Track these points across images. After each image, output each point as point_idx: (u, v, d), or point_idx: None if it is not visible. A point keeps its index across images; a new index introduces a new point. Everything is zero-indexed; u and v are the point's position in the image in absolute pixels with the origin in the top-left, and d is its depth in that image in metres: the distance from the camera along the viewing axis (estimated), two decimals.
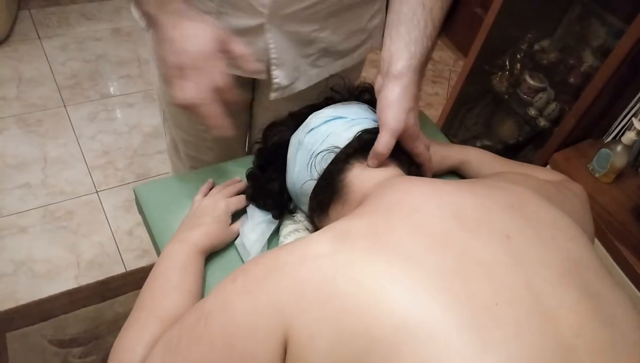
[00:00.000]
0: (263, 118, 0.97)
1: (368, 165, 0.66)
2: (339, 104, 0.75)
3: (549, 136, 1.55)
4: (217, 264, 0.71)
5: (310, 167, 0.68)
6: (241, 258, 0.72)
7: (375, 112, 0.69)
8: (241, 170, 0.82)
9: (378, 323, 0.43)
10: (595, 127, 1.52)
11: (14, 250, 1.55)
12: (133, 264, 1.56)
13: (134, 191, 0.81)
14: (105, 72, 2.18)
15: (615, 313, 0.50)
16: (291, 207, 0.76)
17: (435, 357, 0.41)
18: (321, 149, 0.68)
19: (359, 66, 1.01)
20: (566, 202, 0.69)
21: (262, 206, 0.75)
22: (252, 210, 0.75)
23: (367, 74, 1.04)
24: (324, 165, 0.67)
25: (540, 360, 0.43)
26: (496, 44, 1.67)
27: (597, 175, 1.41)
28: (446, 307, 0.44)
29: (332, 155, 0.67)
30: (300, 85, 0.88)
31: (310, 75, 0.88)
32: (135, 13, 0.77)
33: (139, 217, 0.83)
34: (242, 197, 0.76)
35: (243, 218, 0.75)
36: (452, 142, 1.05)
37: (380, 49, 0.73)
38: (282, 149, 0.74)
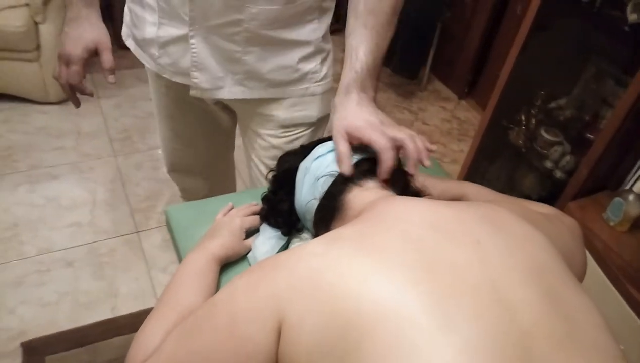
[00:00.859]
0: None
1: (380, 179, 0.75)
2: None
3: (564, 187, 1.60)
4: (231, 273, 0.81)
5: (314, 189, 0.79)
6: None
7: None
8: (257, 199, 0.93)
9: (357, 306, 0.51)
10: (611, 178, 1.56)
11: (60, 282, 1.69)
12: None
13: (165, 212, 0.93)
14: (153, 127, 2.41)
15: (574, 312, 0.55)
16: (299, 226, 0.86)
17: (404, 334, 0.48)
18: (324, 174, 0.78)
19: (311, 103, 1.08)
20: (553, 230, 0.73)
21: (273, 224, 0.85)
22: (265, 228, 0.86)
23: None
24: (326, 187, 0.77)
25: (497, 340, 0.49)
26: (512, 101, 1.78)
27: (611, 223, 1.44)
28: (417, 295, 0.51)
29: (332, 179, 0.77)
30: (223, 95, 1.02)
31: (235, 90, 1.02)
32: None
33: (173, 256, 0.95)
34: (256, 217, 0.87)
35: (256, 235, 0.86)
36: None
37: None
38: (291, 174, 0.84)
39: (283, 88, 1.03)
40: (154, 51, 1.01)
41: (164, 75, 1.04)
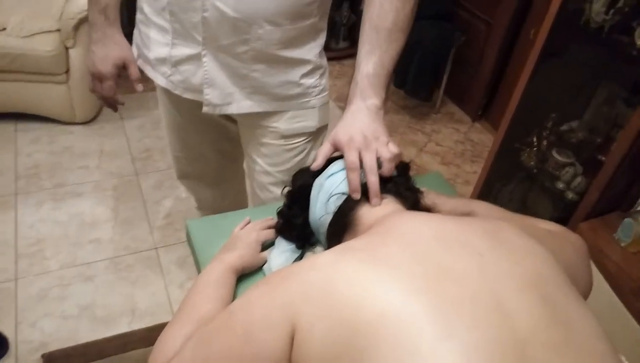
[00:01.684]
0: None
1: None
2: None
3: (576, 208, 1.61)
4: (247, 284, 0.85)
5: (328, 205, 0.83)
6: None
7: None
8: (273, 214, 0.97)
9: (364, 312, 0.54)
10: (622, 199, 1.57)
11: (81, 296, 1.75)
12: None
13: (186, 225, 0.98)
14: None
15: (572, 320, 0.58)
16: (312, 240, 0.90)
17: (408, 340, 0.52)
18: (337, 191, 0.82)
19: (310, 115, 1.15)
20: (557, 246, 0.75)
21: (288, 237, 0.89)
22: (280, 241, 0.90)
23: None
24: (339, 203, 0.81)
25: (495, 347, 0.52)
26: (524, 123, 1.80)
27: (623, 244, 1.45)
28: (419, 302, 0.55)
29: (345, 196, 0.81)
30: (232, 110, 1.09)
31: (243, 105, 1.09)
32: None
33: (190, 272, 0.99)
34: (272, 230, 0.92)
35: (271, 247, 0.90)
36: None
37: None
38: (306, 190, 0.89)
39: (287, 102, 1.11)
40: (166, 69, 1.09)
41: (175, 92, 1.11)
